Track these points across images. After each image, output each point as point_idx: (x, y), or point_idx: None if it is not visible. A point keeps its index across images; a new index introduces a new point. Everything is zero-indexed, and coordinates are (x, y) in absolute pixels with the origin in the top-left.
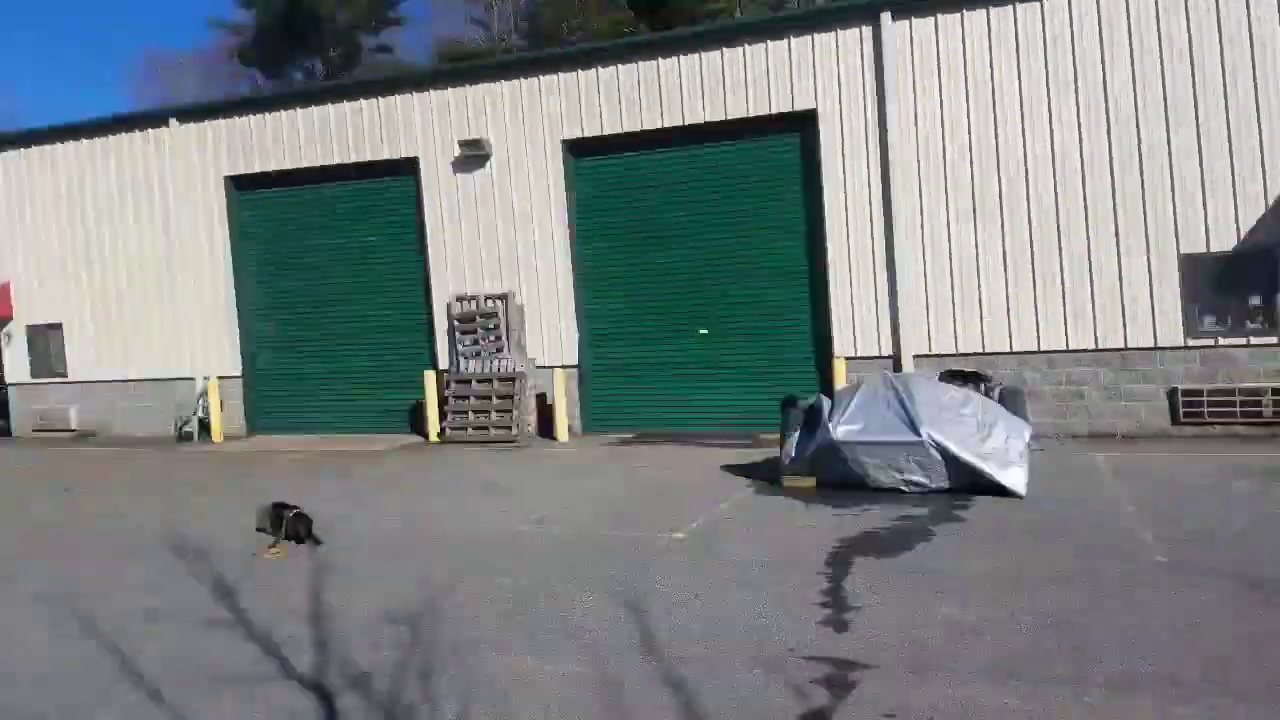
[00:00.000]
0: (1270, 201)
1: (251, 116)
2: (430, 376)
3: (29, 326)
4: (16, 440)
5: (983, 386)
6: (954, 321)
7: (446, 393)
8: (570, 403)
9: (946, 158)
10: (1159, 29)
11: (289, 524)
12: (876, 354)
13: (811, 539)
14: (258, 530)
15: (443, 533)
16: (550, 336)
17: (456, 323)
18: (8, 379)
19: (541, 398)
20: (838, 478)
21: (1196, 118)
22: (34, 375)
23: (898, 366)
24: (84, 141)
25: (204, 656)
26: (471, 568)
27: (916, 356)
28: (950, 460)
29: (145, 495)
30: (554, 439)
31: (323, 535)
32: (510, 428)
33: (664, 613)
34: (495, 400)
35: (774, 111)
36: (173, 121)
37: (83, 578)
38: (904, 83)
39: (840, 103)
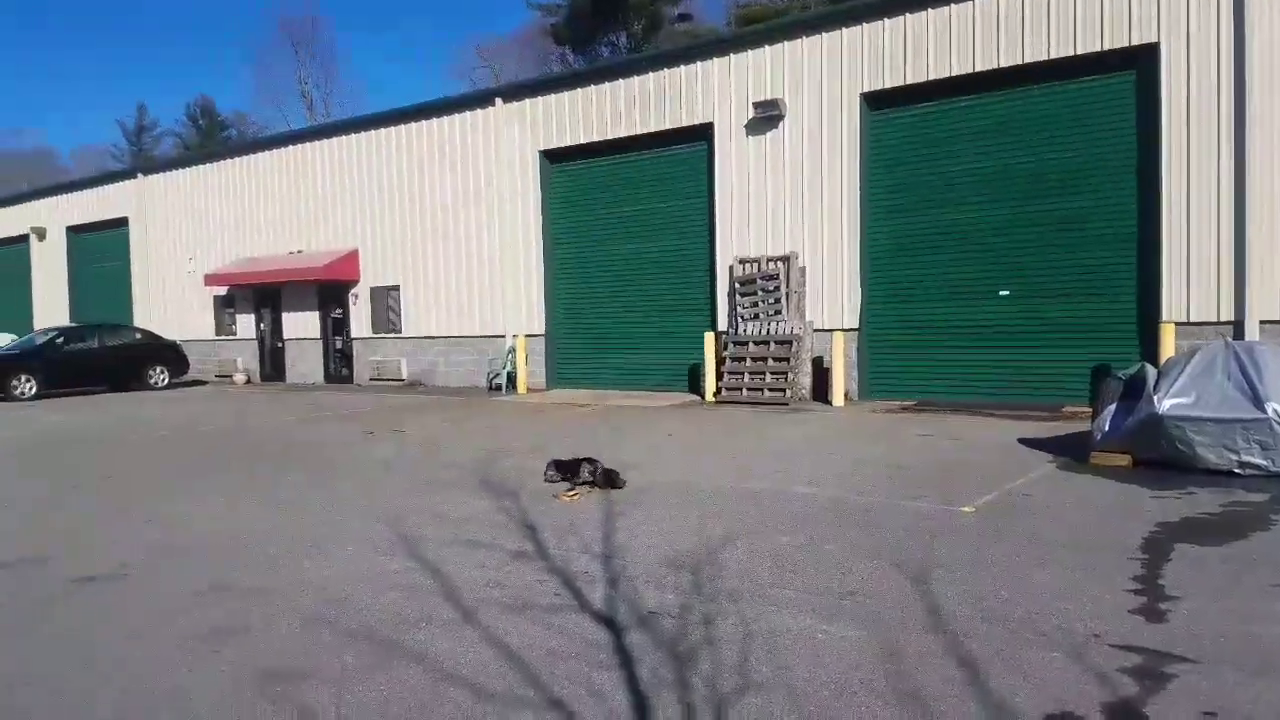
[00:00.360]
0: None
1: (565, 93)
2: (709, 338)
3: (372, 288)
4: (357, 387)
5: None
6: None
7: (724, 354)
8: (848, 366)
9: None
10: None
11: (599, 474)
12: (1214, 319)
13: (1123, 521)
14: (545, 480)
15: (719, 487)
16: (831, 298)
17: (738, 284)
18: (353, 333)
19: (818, 362)
20: (1158, 456)
21: None
22: (374, 331)
23: (1240, 334)
24: (423, 122)
25: (511, 584)
26: (748, 522)
27: (1264, 323)
28: None
29: (462, 438)
30: (829, 403)
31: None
32: (784, 390)
33: (949, 586)
34: (771, 362)
35: (1107, 48)
36: (498, 101)
37: (409, 508)
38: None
39: (1188, 30)
